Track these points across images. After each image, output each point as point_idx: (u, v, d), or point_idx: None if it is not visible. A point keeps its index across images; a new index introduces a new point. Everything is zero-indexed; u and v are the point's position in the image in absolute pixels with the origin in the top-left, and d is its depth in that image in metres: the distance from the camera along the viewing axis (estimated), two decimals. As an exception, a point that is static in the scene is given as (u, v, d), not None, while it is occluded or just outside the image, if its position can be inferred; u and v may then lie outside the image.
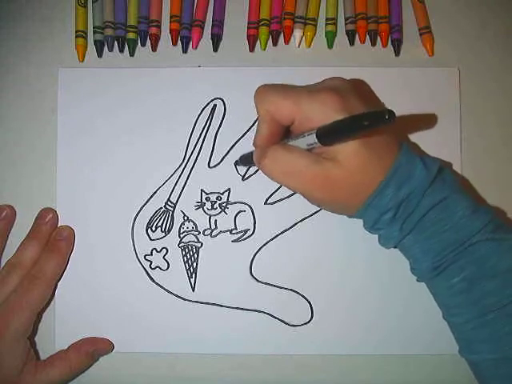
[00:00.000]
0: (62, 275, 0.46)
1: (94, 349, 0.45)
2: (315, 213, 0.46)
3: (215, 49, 0.48)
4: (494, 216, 0.39)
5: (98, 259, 0.46)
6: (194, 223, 0.47)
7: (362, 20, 0.47)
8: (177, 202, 0.47)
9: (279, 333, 0.46)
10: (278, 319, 0.46)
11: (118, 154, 0.47)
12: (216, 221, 0.47)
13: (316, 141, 0.36)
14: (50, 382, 0.44)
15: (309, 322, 0.46)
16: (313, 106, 0.37)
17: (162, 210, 0.47)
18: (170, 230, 0.47)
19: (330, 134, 0.35)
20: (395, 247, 0.41)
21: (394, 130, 0.39)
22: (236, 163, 0.47)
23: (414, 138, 0.47)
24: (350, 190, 0.38)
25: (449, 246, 0.38)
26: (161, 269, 0.46)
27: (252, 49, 0.48)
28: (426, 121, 0.47)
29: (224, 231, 0.47)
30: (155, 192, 0.47)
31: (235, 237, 0.47)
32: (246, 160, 0.45)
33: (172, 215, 0.47)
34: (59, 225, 0.46)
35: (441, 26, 0.48)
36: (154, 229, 0.47)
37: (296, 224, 0.46)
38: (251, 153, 0.41)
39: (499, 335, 0.37)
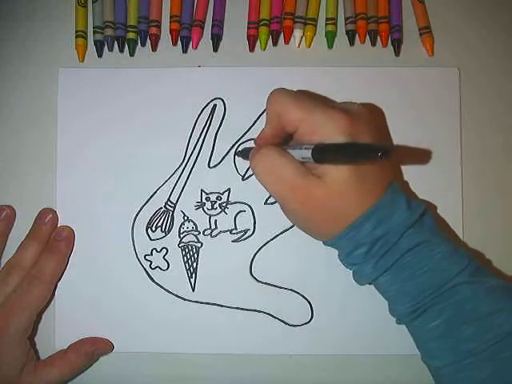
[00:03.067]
0: (61, 275, 0.46)
1: (94, 349, 0.45)
2: (315, 213, 0.46)
3: (215, 49, 0.48)
4: (473, 259, 0.39)
5: (97, 259, 0.46)
6: (194, 223, 0.47)
7: (362, 20, 0.47)
8: (177, 201, 0.47)
9: (279, 333, 0.46)
10: (278, 319, 0.46)
11: (118, 153, 0.47)
12: (216, 221, 0.47)
13: (310, 156, 0.35)
14: (50, 382, 0.44)
15: (309, 322, 0.46)
16: (321, 119, 0.36)
17: (162, 210, 0.47)
18: (170, 230, 0.47)
19: (324, 153, 0.35)
20: (369, 284, 0.41)
21: (389, 168, 0.39)
22: (236, 153, 0.46)
23: (414, 138, 0.47)
24: (327, 214, 0.38)
25: (427, 289, 0.38)
26: (161, 269, 0.46)
27: (252, 49, 0.48)
28: (426, 121, 0.47)
29: (224, 231, 0.47)
30: (155, 192, 0.47)
31: (235, 237, 0.47)
32: (245, 153, 0.44)
33: (172, 215, 0.47)
34: (59, 225, 0.46)
35: (441, 26, 0.48)
36: (153, 229, 0.47)
37: (296, 224, 0.46)
38: (251, 148, 0.41)
39: (477, 381, 0.37)
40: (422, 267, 0.38)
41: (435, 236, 0.39)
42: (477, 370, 0.37)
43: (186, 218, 0.47)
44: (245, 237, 0.47)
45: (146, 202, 0.47)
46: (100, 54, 0.48)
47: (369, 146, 0.32)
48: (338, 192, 0.36)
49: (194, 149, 0.47)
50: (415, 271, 0.38)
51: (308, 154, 0.36)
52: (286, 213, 0.40)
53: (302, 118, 0.37)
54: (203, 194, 0.47)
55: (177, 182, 0.47)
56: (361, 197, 0.37)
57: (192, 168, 0.47)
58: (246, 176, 0.47)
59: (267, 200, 0.47)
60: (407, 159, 0.47)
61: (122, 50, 0.48)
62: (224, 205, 0.47)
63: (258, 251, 0.46)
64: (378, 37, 0.48)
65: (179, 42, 0.48)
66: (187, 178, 0.47)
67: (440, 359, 0.38)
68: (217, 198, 0.47)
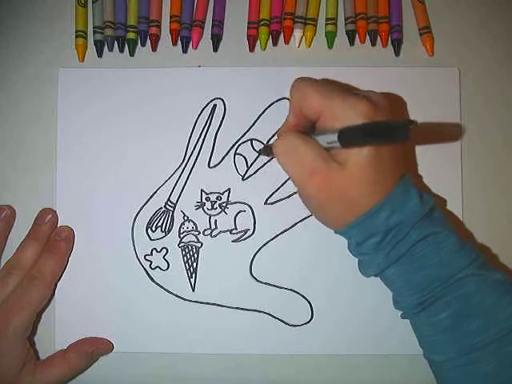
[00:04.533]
0: (61, 275, 0.46)
1: (94, 349, 0.45)
2: (315, 213, 0.46)
3: (215, 49, 0.48)
4: (480, 253, 0.39)
5: (98, 259, 0.46)
6: (194, 223, 0.47)
7: (362, 20, 0.47)
8: (177, 202, 0.47)
9: (279, 333, 0.46)
10: (278, 319, 0.46)
11: (118, 153, 0.47)
12: (216, 221, 0.47)
13: (336, 139, 0.35)
14: (50, 382, 0.44)
15: (309, 322, 0.46)
16: (343, 105, 0.37)
17: (161, 210, 0.47)
18: (170, 230, 0.47)
19: (350, 134, 0.35)
20: (376, 276, 0.41)
21: (402, 160, 0.39)
22: (258, 151, 0.46)
23: (414, 138, 0.46)
24: (343, 202, 0.38)
25: (435, 280, 0.38)
26: (161, 269, 0.46)
27: (252, 49, 0.48)
28: (426, 121, 0.47)
29: (224, 231, 0.47)
30: (155, 192, 0.47)
31: (235, 237, 0.47)
32: (266, 150, 0.44)
33: (172, 215, 0.47)
34: (59, 225, 0.46)
35: (441, 26, 0.48)
36: (154, 229, 0.47)
37: (296, 224, 0.46)
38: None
39: (480, 375, 0.37)
40: (430, 259, 0.38)
41: (444, 229, 0.39)
42: (481, 364, 0.37)
43: (185, 217, 0.47)
44: (245, 237, 0.47)
45: (146, 202, 0.47)
46: (100, 54, 0.48)
47: (396, 122, 0.32)
48: (357, 180, 0.37)
49: (194, 149, 0.47)
50: (424, 262, 0.38)
51: (334, 137, 0.35)
52: (303, 198, 0.40)
53: (323, 104, 0.37)
54: (203, 194, 0.47)
55: (177, 181, 0.47)
56: (377, 186, 0.37)
57: (192, 168, 0.47)
58: (246, 176, 0.47)
59: (267, 200, 0.47)
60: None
61: (121, 50, 0.48)
62: (224, 205, 0.47)
63: (258, 251, 0.46)
64: (378, 37, 0.48)
65: (179, 42, 0.48)
66: (187, 178, 0.47)
67: (444, 353, 0.38)
68: (217, 197, 0.47)
